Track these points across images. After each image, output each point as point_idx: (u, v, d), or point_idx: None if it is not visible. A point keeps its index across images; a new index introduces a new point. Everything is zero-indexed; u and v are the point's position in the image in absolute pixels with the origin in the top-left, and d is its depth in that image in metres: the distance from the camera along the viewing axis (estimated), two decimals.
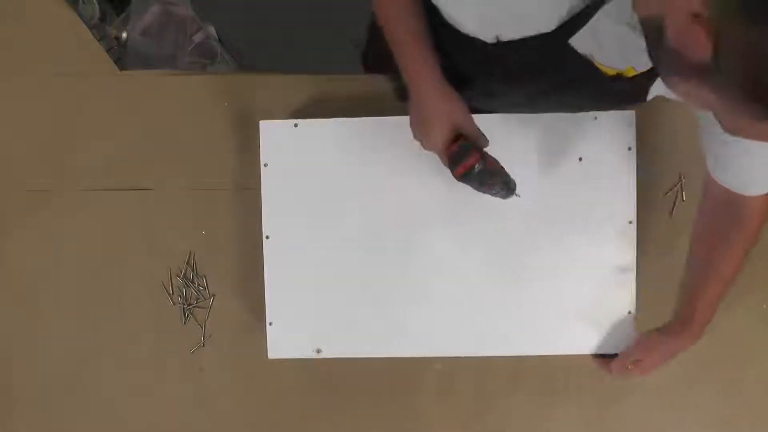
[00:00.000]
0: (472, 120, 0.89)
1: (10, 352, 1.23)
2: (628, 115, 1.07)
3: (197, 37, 1.54)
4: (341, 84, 1.18)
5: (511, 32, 0.75)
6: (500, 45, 0.77)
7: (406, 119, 1.09)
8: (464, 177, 0.88)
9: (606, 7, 0.68)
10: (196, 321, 1.21)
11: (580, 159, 1.08)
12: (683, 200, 1.15)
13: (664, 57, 0.58)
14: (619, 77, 0.77)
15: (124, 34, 1.44)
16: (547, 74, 0.81)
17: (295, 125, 1.11)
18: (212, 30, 1.60)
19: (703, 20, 0.51)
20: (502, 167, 0.91)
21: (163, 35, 1.49)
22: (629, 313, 1.10)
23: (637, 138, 1.08)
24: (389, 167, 1.10)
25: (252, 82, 1.20)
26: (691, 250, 1.00)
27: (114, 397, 1.23)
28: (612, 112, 1.07)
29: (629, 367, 1.07)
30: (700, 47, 0.52)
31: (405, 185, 1.10)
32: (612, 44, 0.73)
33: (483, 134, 0.90)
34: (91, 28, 1.25)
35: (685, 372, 1.16)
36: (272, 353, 1.13)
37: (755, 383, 1.17)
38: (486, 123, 1.08)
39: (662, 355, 1.04)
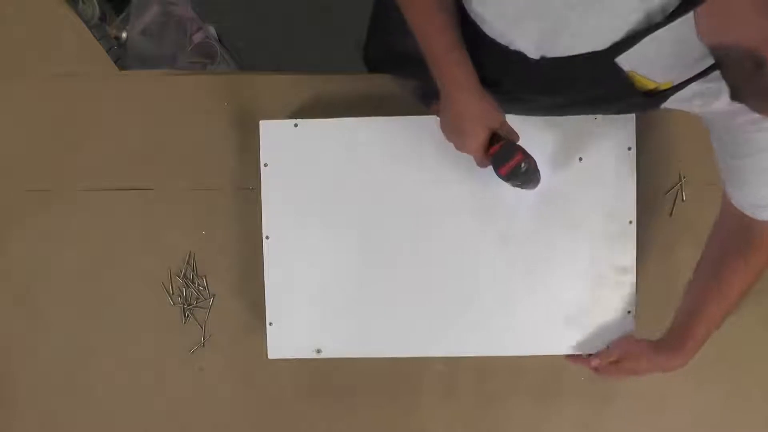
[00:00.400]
0: (505, 120, 0.90)
1: (10, 351, 1.23)
2: (628, 116, 1.07)
3: (197, 37, 1.54)
4: (341, 84, 1.18)
5: (561, 50, 0.74)
6: (543, 60, 0.77)
7: (405, 119, 1.10)
8: (510, 176, 0.90)
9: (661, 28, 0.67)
10: (196, 321, 1.21)
11: (580, 159, 1.08)
12: (683, 200, 1.15)
13: (760, 83, 0.60)
14: (654, 90, 0.77)
15: (124, 34, 1.44)
16: (583, 88, 0.81)
17: (295, 125, 1.11)
18: (212, 30, 1.60)
19: None
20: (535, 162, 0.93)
21: (163, 35, 1.49)
22: (629, 313, 1.10)
23: (637, 138, 1.08)
24: (389, 167, 1.10)
25: (252, 82, 1.20)
26: (698, 269, 0.99)
27: (114, 397, 1.23)
28: None
29: (607, 365, 1.05)
30: None
31: (405, 185, 1.10)
32: (657, 60, 0.72)
33: (515, 131, 0.91)
34: (91, 28, 1.25)
35: (685, 372, 1.15)
36: (272, 353, 1.13)
37: (755, 384, 1.17)
38: None
39: (645, 367, 1.02)
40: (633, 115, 1.07)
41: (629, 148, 1.08)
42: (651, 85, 0.76)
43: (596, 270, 1.09)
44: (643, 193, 1.10)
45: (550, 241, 1.09)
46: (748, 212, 0.89)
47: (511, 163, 0.89)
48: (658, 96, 0.77)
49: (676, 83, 0.75)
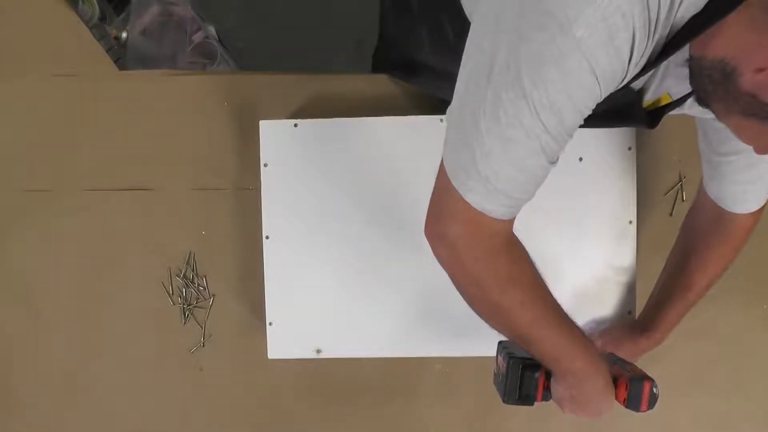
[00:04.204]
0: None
1: (10, 352, 1.23)
2: None
3: (197, 37, 1.54)
4: (341, 84, 1.18)
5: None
6: None
7: (406, 119, 1.10)
8: (651, 405, 0.88)
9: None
10: (196, 321, 1.21)
11: (580, 159, 1.08)
12: (683, 200, 1.15)
13: (731, 99, 0.63)
14: (653, 106, 0.77)
15: (124, 34, 1.44)
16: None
17: (295, 125, 1.11)
18: (212, 30, 1.60)
19: None
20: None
21: (163, 35, 1.49)
22: (629, 313, 1.10)
23: (637, 138, 1.08)
24: (389, 167, 1.10)
25: (252, 82, 1.20)
26: (671, 255, 1.02)
27: (114, 397, 1.23)
28: None
29: None
30: None
31: (405, 185, 1.10)
32: (660, 79, 0.73)
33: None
34: (91, 28, 1.25)
35: (685, 372, 1.16)
36: (272, 353, 1.13)
37: (755, 383, 1.17)
38: None
39: (628, 350, 1.03)
40: None
41: (629, 148, 1.08)
42: (647, 103, 0.77)
43: (596, 270, 1.09)
44: (643, 193, 1.10)
45: (550, 241, 1.09)
46: (721, 204, 0.92)
47: (644, 399, 0.87)
48: (659, 110, 0.77)
49: (674, 96, 0.75)
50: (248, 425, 1.22)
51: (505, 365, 0.90)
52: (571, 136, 0.67)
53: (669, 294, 1.00)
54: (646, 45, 0.62)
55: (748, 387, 1.17)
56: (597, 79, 0.62)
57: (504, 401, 0.91)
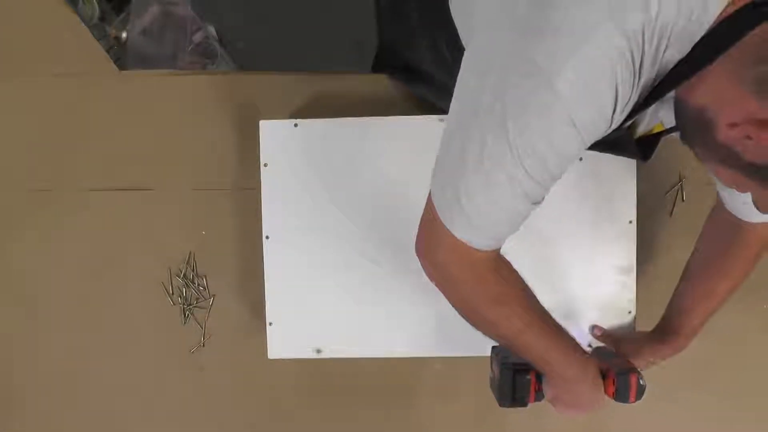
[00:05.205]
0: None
1: (10, 351, 1.23)
2: None
3: (197, 37, 1.54)
4: (341, 84, 1.18)
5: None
6: None
7: (406, 119, 1.10)
8: (639, 396, 0.92)
9: None
10: (196, 321, 1.21)
11: (581, 159, 1.08)
12: (683, 200, 1.15)
13: (708, 147, 0.63)
14: (644, 137, 0.78)
15: (124, 34, 1.44)
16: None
17: (295, 125, 1.11)
18: (212, 30, 1.60)
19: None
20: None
21: (163, 35, 1.49)
22: (629, 313, 1.10)
23: None
24: (389, 167, 1.10)
25: (252, 82, 1.20)
26: (690, 263, 1.01)
27: (114, 397, 1.23)
28: None
29: None
30: (762, 153, 0.57)
31: (405, 185, 1.10)
32: (651, 114, 0.73)
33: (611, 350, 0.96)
34: (91, 28, 1.25)
35: (685, 372, 1.16)
36: (272, 353, 1.13)
37: (755, 383, 1.17)
38: None
39: (647, 355, 1.03)
40: None
41: None
42: (639, 134, 0.77)
43: (596, 270, 1.09)
44: (643, 193, 1.10)
45: (550, 241, 1.09)
46: (736, 214, 0.91)
47: (632, 390, 0.91)
48: (652, 138, 0.77)
49: (666, 125, 0.75)
50: (248, 425, 1.22)
51: (498, 370, 0.95)
52: (556, 179, 0.69)
53: (690, 301, 0.99)
54: (631, 93, 0.63)
55: (748, 387, 1.17)
56: (578, 130, 0.63)
57: (500, 405, 0.96)
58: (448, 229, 0.71)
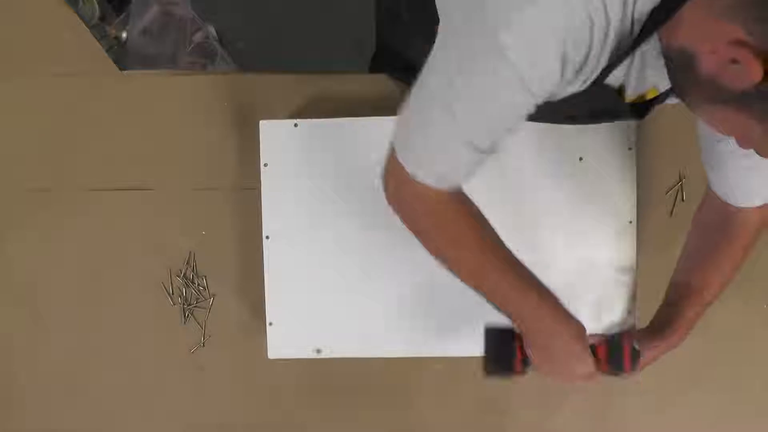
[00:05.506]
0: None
1: (10, 351, 1.23)
2: None
3: (197, 37, 1.54)
4: (341, 84, 1.18)
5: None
6: None
7: None
8: (634, 365, 0.89)
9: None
10: (196, 321, 1.21)
11: (580, 159, 1.08)
12: (683, 200, 1.15)
13: (696, 87, 0.64)
14: (638, 101, 0.78)
15: (124, 34, 1.44)
16: (577, 105, 0.81)
17: (295, 125, 1.11)
18: (212, 30, 1.60)
19: (749, 49, 0.56)
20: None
21: (163, 35, 1.50)
22: (629, 313, 1.10)
23: (637, 138, 1.08)
24: None
25: (252, 82, 1.20)
26: (681, 256, 1.00)
27: (114, 397, 1.23)
28: None
29: None
30: (748, 75, 0.57)
31: None
32: (638, 72, 0.73)
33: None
34: (91, 28, 1.25)
35: (685, 372, 1.16)
36: (272, 353, 1.13)
37: (755, 382, 1.17)
38: None
39: (648, 354, 1.01)
40: None
41: (629, 148, 1.08)
42: (632, 98, 0.77)
43: (596, 270, 1.09)
44: (643, 193, 1.10)
45: (550, 241, 1.09)
46: (724, 198, 0.91)
47: (627, 360, 0.88)
48: (647, 103, 0.77)
49: (661, 90, 0.75)
50: (248, 425, 1.22)
51: (483, 336, 0.92)
52: (501, 130, 0.72)
53: (683, 295, 0.98)
54: (601, 48, 0.64)
55: (747, 385, 1.17)
56: (524, 83, 0.65)
57: (485, 373, 0.93)
58: (402, 166, 0.76)
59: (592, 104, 0.73)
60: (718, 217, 0.94)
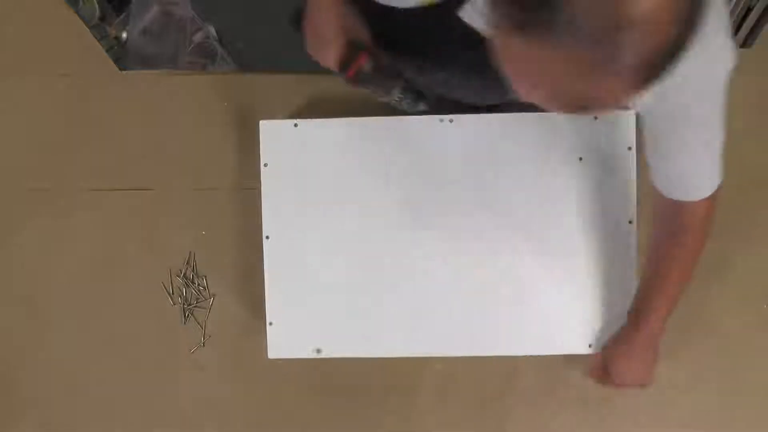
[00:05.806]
0: (365, 32, 0.91)
1: (10, 351, 1.23)
2: (628, 115, 1.07)
3: (197, 37, 1.54)
4: (341, 84, 1.17)
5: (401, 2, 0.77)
6: (404, 12, 0.79)
7: (406, 119, 1.10)
8: (358, 79, 0.90)
9: None
10: (196, 321, 1.21)
11: (580, 159, 1.08)
12: None
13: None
14: (430, 6, 0.78)
15: (124, 34, 1.44)
16: (459, 53, 0.80)
17: (295, 125, 1.11)
18: (212, 30, 1.60)
19: None
20: (399, 72, 0.93)
21: (163, 35, 1.49)
22: (629, 313, 1.09)
23: (637, 138, 1.08)
24: (389, 167, 1.10)
25: (252, 82, 1.20)
26: (648, 248, 1.00)
27: (114, 397, 1.23)
28: (612, 113, 1.07)
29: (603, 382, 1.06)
30: None
31: (405, 185, 1.10)
32: None
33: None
34: (91, 28, 1.25)
35: (685, 372, 1.16)
36: (272, 353, 1.13)
37: (755, 383, 1.17)
38: (486, 123, 1.09)
39: (624, 351, 1.03)
40: (633, 115, 1.07)
41: (629, 148, 1.08)
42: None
43: (596, 270, 1.09)
44: (643, 193, 1.10)
45: (550, 241, 1.09)
46: (672, 196, 0.90)
47: (355, 64, 0.89)
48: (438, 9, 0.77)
49: None
50: (248, 425, 1.22)
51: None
52: None
53: (650, 285, 0.99)
54: None
55: (747, 386, 1.17)
56: None
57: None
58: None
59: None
60: (666, 211, 0.93)
